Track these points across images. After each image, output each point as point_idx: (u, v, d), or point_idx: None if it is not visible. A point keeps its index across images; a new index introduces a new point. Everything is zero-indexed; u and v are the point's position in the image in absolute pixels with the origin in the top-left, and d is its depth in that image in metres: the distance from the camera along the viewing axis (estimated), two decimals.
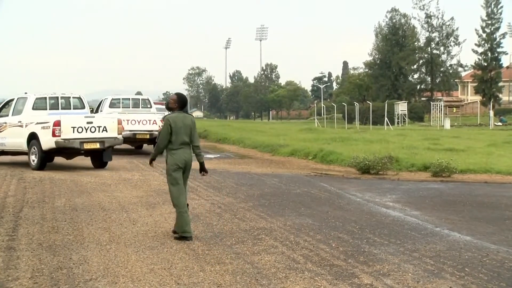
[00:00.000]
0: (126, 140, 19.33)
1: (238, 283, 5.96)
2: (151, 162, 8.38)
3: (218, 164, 18.04)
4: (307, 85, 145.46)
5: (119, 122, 16.91)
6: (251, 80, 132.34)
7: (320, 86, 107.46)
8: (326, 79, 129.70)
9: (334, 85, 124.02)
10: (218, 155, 21.58)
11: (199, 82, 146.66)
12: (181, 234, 7.82)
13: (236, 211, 9.94)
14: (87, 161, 18.01)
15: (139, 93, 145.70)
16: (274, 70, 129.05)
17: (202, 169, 8.22)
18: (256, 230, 8.42)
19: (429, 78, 70.47)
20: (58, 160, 18.13)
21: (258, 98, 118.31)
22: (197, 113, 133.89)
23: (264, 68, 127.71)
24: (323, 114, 70.04)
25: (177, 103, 8.01)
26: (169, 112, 8.10)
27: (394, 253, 7.13)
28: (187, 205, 8.00)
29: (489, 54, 65.24)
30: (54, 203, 10.58)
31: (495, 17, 64.87)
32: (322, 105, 76.95)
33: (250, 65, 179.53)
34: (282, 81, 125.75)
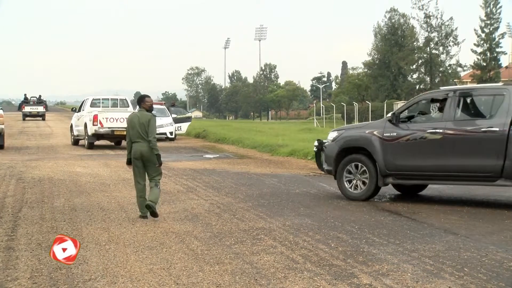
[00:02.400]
0: (105, 136, 22.97)
1: (237, 283, 5.96)
2: (128, 164, 9.54)
3: (217, 164, 18.05)
4: (306, 85, 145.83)
5: (95, 119, 22.27)
6: (250, 80, 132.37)
7: (319, 86, 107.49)
8: (325, 79, 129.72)
9: (333, 85, 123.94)
10: (217, 155, 21.59)
11: (198, 82, 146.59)
12: (140, 214, 9.26)
13: (235, 211, 9.94)
14: (85, 161, 18.03)
15: (137, 94, 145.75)
16: (273, 70, 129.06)
17: (158, 160, 9.24)
18: (255, 230, 8.43)
19: (428, 78, 70.44)
20: (58, 160, 18.14)
21: (257, 98, 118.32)
22: (196, 113, 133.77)
23: (263, 68, 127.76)
24: (322, 114, 70.05)
25: (137, 103, 9.62)
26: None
27: (393, 253, 7.14)
28: (157, 185, 9.27)
29: (488, 54, 65.23)
30: (53, 203, 10.58)
31: (494, 17, 64.86)
32: (321, 105, 76.95)
33: (249, 65, 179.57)
34: (281, 81, 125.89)
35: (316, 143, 12.09)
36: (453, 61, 69.20)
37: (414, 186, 11.95)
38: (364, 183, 11.11)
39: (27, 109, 49.71)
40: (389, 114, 11.47)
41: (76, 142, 24.88)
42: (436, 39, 68.19)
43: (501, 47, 66.57)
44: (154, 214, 9.14)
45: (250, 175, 15.00)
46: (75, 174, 14.67)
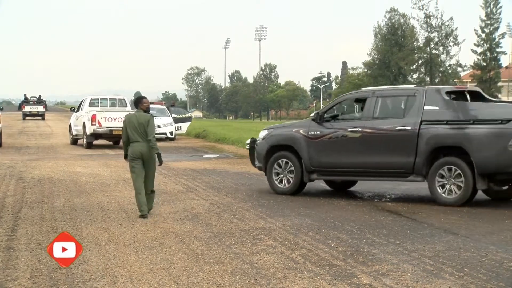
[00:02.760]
0: (103, 136, 23.12)
1: (237, 283, 5.96)
2: (125, 158, 9.76)
3: (217, 164, 18.04)
4: (306, 85, 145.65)
5: (94, 118, 22.37)
6: (250, 80, 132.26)
7: (319, 86, 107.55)
8: (325, 79, 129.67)
9: (333, 85, 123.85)
10: (217, 155, 21.59)
11: (198, 82, 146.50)
12: (140, 214, 9.29)
13: (235, 211, 9.94)
14: (85, 161, 18.03)
15: (137, 94, 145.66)
16: (273, 70, 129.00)
17: (158, 159, 9.61)
18: (255, 230, 8.43)
19: (428, 78, 70.38)
20: (58, 160, 18.14)
21: (257, 98, 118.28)
22: (196, 113, 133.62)
23: (263, 68, 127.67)
24: None
25: (134, 104, 10.14)
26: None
27: (393, 253, 7.14)
28: (153, 191, 9.68)
29: (488, 54, 65.22)
30: (53, 203, 10.58)
31: (494, 17, 64.82)
32: (321, 105, 76.95)
33: (249, 65, 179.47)
34: (281, 81, 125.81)
35: (248, 141, 12.77)
36: (453, 61, 69.14)
37: (344, 183, 12.52)
38: (291, 178, 11.69)
39: (27, 108, 50.03)
40: (313, 114, 12.10)
41: (75, 141, 25.03)
42: (436, 39, 68.14)
43: (501, 47, 66.59)
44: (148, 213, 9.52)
45: (250, 175, 15.00)
46: (75, 174, 14.66)
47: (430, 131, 10.37)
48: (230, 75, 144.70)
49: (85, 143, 23.26)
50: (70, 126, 26.10)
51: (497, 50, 66.10)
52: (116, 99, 26.91)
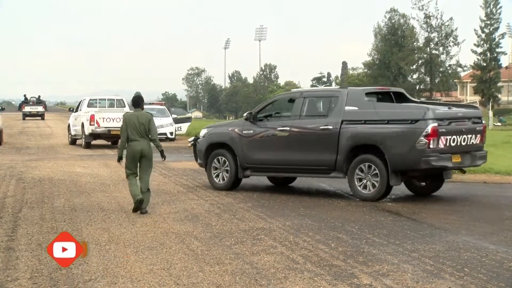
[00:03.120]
0: (102, 136, 23.25)
1: (237, 284, 5.96)
2: (119, 160, 9.99)
3: None
4: (306, 85, 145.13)
5: (92, 119, 22.53)
6: (250, 80, 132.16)
7: (319, 86, 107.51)
8: (325, 79, 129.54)
9: (333, 85, 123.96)
10: None
11: (198, 83, 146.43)
12: (134, 202, 9.57)
13: (235, 211, 9.94)
14: (85, 161, 18.02)
15: (137, 93, 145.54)
16: (273, 70, 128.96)
17: (162, 155, 10.01)
18: (255, 230, 8.43)
19: (428, 78, 70.38)
20: (58, 160, 18.14)
21: (257, 98, 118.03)
22: (196, 113, 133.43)
23: (263, 68, 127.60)
24: None
25: (132, 104, 10.05)
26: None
27: (393, 253, 7.14)
28: (148, 189, 9.75)
29: (488, 55, 65.19)
30: (53, 204, 10.59)
31: (494, 17, 64.80)
32: None
33: (249, 66, 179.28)
34: (281, 81, 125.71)
35: (191, 139, 13.59)
36: (453, 61, 69.09)
37: (285, 179, 13.15)
38: (227, 175, 12.37)
39: (27, 109, 50.39)
40: (245, 114, 12.80)
41: (73, 141, 25.24)
42: (436, 39, 68.13)
43: (501, 47, 66.57)
44: (142, 213, 9.66)
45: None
46: (75, 174, 14.66)
47: (349, 130, 10.94)
48: (230, 75, 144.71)
49: (83, 143, 23.44)
50: (68, 126, 26.31)
51: (497, 50, 66.09)
52: (114, 99, 27.14)
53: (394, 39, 75.01)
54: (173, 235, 8.15)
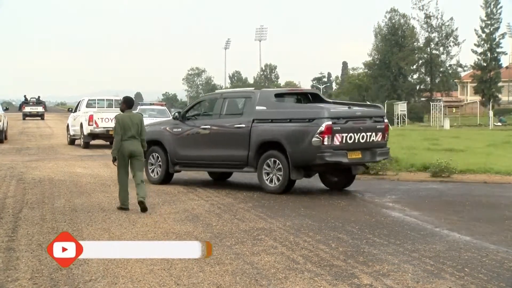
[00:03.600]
0: (100, 136, 23.44)
1: (237, 284, 5.97)
2: (114, 161, 10.27)
3: None
4: (306, 85, 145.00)
5: (91, 119, 22.72)
6: (251, 80, 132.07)
7: (319, 86, 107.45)
8: (325, 79, 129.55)
9: (334, 86, 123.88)
10: None
11: (198, 83, 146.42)
12: (121, 206, 10.00)
13: (236, 211, 9.94)
14: (86, 162, 18.03)
15: (138, 94, 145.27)
16: (273, 71, 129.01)
17: (144, 156, 10.36)
18: (255, 230, 8.43)
19: (428, 78, 70.36)
20: (58, 160, 18.14)
21: None
22: None
23: (263, 68, 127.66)
24: None
25: (125, 105, 10.32)
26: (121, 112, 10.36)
27: (394, 253, 7.14)
28: (142, 181, 10.03)
29: (489, 55, 65.18)
30: (54, 204, 10.59)
31: (495, 17, 64.80)
32: None
33: (250, 66, 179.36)
34: (282, 81, 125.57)
35: None
36: (453, 62, 69.12)
37: (223, 174, 13.95)
38: (159, 170, 13.23)
39: (27, 109, 50.66)
40: (175, 113, 14.00)
41: (72, 141, 25.42)
42: (437, 39, 68.13)
43: (501, 47, 66.58)
44: (145, 209, 9.79)
45: (251, 176, 14.97)
46: (76, 175, 14.67)
47: (258, 128, 11.90)
48: (231, 75, 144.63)
49: (82, 143, 23.63)
50: (67, 126, 26.53)
51: (498, 50, 66.10)
52: (113, 100, 27.42)
53: (394, 39, 75.01)
54: (173, 235, 8.16)
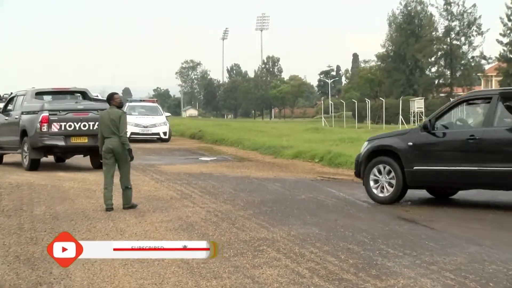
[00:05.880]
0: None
1: None
2: (100, 159, 11.24)
3: (214, 167, 18.07)
4: (313, 80, 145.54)
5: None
6: (251, 74, 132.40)
7: (327, 81, 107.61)
8: (334, 73, 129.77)
9: (343, 80, 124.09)
10: (215, 158, 21.62)
11: (193, 77, 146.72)
12: (105, 206, 10.61)
13: (235, 219, 9.95)
14: (69, 164, 18.04)
15: (126, 90, 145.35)
16: (276, 64, 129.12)
17: (129, 155, 10.81)
18: (256, 240, 8.44)
19: (448, 72, 70.47)
20: (50, 163, 18.13)
21: (259, 95, 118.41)
22: (191, 111, 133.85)
23: (265, 61, 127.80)
24: (331, 112, 69.99)
25: (107, 101, 11.18)
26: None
27: (410, 266, 7.14)
28: (128, 187, 10.78)
29: None
30: (33, 211, 10.60)
31: None
32: (330, 102, 76.90)
33: (250, 58, 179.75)
34: (286, 75, 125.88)
35: None
36: (476, 53, 69.20)
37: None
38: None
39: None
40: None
41: None
42: (458, 28, 68.20)
43: None
44: (133, 206, 10.80)
45: (251, 180, 15.02)
46: (57, 179, 14.69)
47: (23, 119, 17.06)
48: (229, 69, 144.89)
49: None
50: None
51: None
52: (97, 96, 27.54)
53: (410, 29, 75.08)
54: None
